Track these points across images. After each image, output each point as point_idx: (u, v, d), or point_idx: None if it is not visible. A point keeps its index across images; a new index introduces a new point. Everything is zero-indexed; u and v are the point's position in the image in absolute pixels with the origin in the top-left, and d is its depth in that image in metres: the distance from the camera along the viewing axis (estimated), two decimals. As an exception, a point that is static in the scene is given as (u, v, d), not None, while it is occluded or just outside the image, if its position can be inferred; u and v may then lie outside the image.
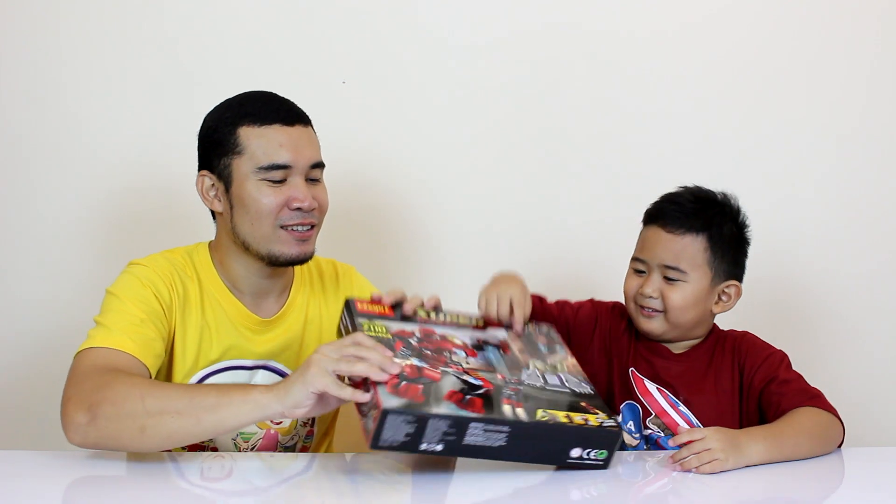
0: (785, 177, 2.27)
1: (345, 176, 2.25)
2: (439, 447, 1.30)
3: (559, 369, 1.51)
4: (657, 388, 1.63)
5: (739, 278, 1.66)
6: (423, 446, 1.29)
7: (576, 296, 1.77)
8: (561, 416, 1.37)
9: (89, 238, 2.20)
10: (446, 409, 1.28)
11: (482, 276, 1.63)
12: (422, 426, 1.27)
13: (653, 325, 1.63)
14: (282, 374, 1.66)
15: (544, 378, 1.47)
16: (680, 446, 1.43)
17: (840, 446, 1.56)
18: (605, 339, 1.70)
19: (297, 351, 1.69)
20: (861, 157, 2.27)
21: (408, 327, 1.49)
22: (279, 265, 1.62)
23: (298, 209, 1.59)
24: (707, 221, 1.62)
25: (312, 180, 1.63)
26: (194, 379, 1.62)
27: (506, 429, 1.32)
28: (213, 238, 1.69)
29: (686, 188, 1.68)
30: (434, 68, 2.25)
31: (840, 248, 2.27)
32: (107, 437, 1.39)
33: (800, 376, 1.62)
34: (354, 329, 1.44)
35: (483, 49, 2.25)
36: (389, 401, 1.27)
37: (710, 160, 2.26)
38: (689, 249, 1.61)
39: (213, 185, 1.63)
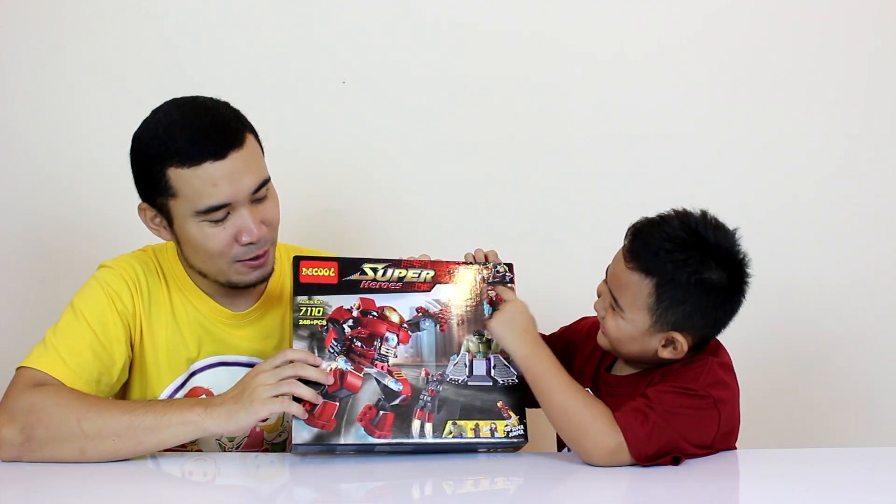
0: (786, 181, 2.26)
1: (343, 175, 2.26)
2: (352, 452, 1.48)
3: (493, 347, 1.55)
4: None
5: (691, 331, 1.46)
6: (338, 452, 1.47)
7: (568, 312, 1.77)
8: (469, 427, 1.49)
9: (87, 237, 2.21)
10: (354, 435, 1.44)
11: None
12: (331, 450, 1.46)
13: (602, 341, 1.54)
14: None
15: (470, 368, 1.53)
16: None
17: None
18: (577, 351, 1.67)
19: (281, 345, 1.66)
20: (862, 160, 2.26)
21: (347, 301, 1.53)
22: (240, 289, 1.60)
23: (250, 243, 1.52)
24: (663, 266, 1.43)
25: (258, 200, 1.53)
26: (181, 378, 1.62)
27: (410, 447, 1.48)
28: None
29: (679, 215, 1.47)
30: (435, 69, 2.25)
31: (840, 250, 2.26)
32: (44, 458, 1.43)
33: (667, 401, 1.42)
34: (292, 306, 1.51)
35: (486, 49, 2.25)
36: (300, 434, 1.43)
37: (711, 160, 2.27)
38: (632, 288, 1.45)
39: (155, 216, 1.56)
